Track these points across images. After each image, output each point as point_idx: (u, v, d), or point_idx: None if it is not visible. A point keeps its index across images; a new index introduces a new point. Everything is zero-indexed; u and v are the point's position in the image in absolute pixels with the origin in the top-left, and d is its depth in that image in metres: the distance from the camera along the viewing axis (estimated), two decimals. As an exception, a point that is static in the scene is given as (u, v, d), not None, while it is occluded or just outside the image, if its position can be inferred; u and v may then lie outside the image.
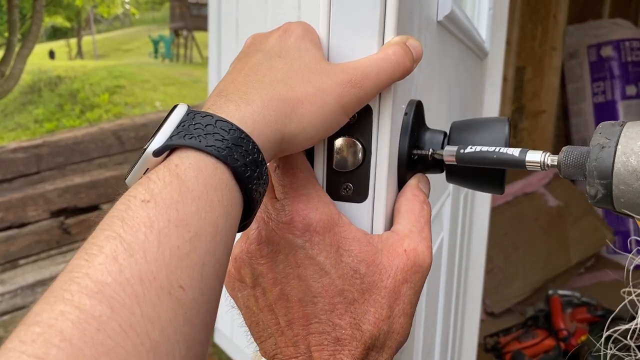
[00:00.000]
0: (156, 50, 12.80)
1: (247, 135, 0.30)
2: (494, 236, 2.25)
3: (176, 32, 12.71)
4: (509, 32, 2.65)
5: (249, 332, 0.41)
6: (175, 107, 0.32)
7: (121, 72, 9.40)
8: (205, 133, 0.30)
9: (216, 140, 0.29)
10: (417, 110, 0.41)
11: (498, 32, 1.47)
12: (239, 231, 0.33)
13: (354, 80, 0.35)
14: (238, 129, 0.30)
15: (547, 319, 2.28)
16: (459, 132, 0.41)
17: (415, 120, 0.41)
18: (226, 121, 0.30)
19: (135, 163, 0.30)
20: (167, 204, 0.27)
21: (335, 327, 0.36)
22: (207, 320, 0.27)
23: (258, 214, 0.38)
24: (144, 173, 0.30)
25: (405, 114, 0.40)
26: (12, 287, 2.67)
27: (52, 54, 11.76)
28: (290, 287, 0.37)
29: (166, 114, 0.32)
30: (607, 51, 2.97)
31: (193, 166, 0.28)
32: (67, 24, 13.81)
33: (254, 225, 0.38)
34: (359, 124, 0.38)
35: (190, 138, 0.29)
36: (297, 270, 0.37)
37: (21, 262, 2.94)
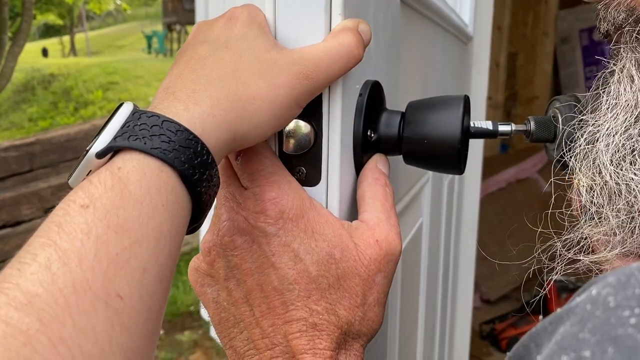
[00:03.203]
0: (150, 46, 12.76)
1: (195, 137, 0.29)
2: (488, 223, 2.24)
3: (169, 27, 12.67)
4: (500, 18, 2.63)
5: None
6: (120, 105, 0.31)
7: (115, 68, 9.38)
8: (150, 134, 0.28)
9: (162, 142, 0.28)
10: (372, 91, 0.40)
11: (483, 16, 1.45)
12: (188, 233, 0.32)
13: (305, 72, 0.34)
14: (186, 130, 0.29)
15: (543, 305, 2.28)
16: (414, 111, 0.40)
17: (371, 101, 0.40)
18: (173, 122, 0.29)
19: (79, 164, 0.29)
20: (107, 210, 0.26)
21: (312, 313, 0.36)
22: (148, 328, 0.26)
23: (227, 204, 0.37)
24: (87, 174, 0.28)
25: (360, 94, 0.39)
26: (7, 286, 2.67)
27: (45, 52, 11.72)
28: (265, 276, 0.36)
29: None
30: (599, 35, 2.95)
31: (136, 169, 0.27)
32: (60, 22, 13.75)
33: (224, 217, 0.37)
34: (309, 105, 0.37)
35: (135, 139, 0.28)
36: (272, 259, 0.36)
37: (16, 260, 2.95)
